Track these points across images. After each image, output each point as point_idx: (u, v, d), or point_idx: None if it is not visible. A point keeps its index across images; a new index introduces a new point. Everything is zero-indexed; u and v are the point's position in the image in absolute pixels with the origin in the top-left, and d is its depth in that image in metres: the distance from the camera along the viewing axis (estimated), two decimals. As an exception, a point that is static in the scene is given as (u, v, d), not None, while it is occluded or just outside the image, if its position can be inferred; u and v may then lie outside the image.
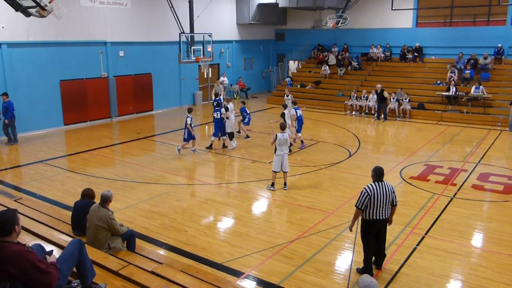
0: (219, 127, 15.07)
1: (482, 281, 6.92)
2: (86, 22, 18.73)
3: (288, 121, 14.50)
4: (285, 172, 11.13)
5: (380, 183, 6.83)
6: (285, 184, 11.23)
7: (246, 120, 16.54)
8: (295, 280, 6.96)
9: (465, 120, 19.90)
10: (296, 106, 15.60)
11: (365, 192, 6.75)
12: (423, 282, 6.88)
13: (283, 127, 11.12)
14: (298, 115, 15.10)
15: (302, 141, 15.32)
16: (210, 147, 15.10)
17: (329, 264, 7.50)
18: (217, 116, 14.98)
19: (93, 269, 5.03)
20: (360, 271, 7.05)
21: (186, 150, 14.66)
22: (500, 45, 22.44)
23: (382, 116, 20.55)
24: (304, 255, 7.76)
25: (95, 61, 19.42)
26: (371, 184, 6.83)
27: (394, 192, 6.95)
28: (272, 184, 11.14)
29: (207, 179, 12.23)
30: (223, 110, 15.06)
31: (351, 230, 7.10)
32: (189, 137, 14.24)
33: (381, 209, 6.82)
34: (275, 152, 10.90)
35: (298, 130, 15.23)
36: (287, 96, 17.96)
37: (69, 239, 6.15)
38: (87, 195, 7.06)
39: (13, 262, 3.94)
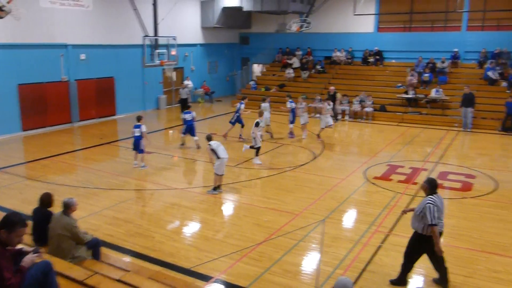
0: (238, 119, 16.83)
1: (444, 277, 7.16)
2: (46, 24, 18.18)
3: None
4: (222, 175, 11.16)
5: (436, 195, 6.50)
6: (219, 186, 11.22)
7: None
8: (264, 282, 6.99)
9: (425, 122, 20.57)
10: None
11: (433, 206, 6.31)
12: (388, 279, 7.05)
13: (209, 138, 11.17)
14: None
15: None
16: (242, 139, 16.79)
17: (297, 265, 7.57)
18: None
19: None
20: (396, 283, 6.93)
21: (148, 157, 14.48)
22: (456, 49, 23.41)
23: (339, 117, 21.46)
24: (272, 257, 7.80)
25: (55, 64, 18.87)
26: (432, 197, 6.43)
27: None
28: (218, 187, 11.11)
29: (172, 183, 12.10)
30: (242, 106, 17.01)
31: (440, 252, 6.54)
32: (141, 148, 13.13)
33: (441, 222, 6.53)
34: (218, 157, 10.86)
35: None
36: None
37: (30, 249, 5.91)
38: (45, 201, 6.76)
39: None
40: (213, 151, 10.86)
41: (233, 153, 14.39)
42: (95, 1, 20.03)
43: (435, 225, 6.30)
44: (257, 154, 13.74)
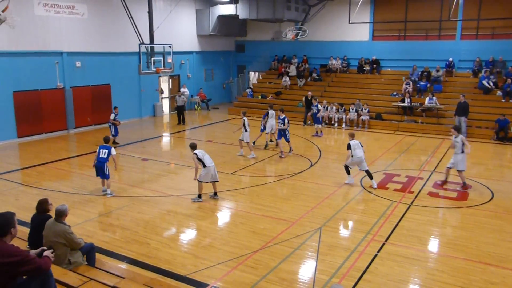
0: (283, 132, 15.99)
1: (439, 285, 7.15)
2: (41, 32, 18.20)
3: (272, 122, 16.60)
4: (216, 182, 11.17)
5: None
6: (215, 193, 11.23)
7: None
8: (260, 290, 6.96)
9: (420, 130, 20.65)
10: (284, 115, 16.00)
11: None
12: (384, 288, 7.05)
13: (194, 146, 11.16)
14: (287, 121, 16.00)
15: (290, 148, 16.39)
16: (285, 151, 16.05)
17: (293, 273, 7.55)
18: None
19: None
20: None
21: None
22: (451, 58, 23.56)
23: (309, 122, 22.01)
24: (268, 265, 7.77)
25: (51, 72, 18.87)
26: None
27: None
28: (200, 196, 11.11)
29: (168, 190, 12.06)
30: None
31: None
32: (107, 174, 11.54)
33: None
34: (204, 166, 10.88)
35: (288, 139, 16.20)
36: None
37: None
38: (42, 208, 6.77)
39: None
40: (199, 159, 10.88)
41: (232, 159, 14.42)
42: (90, 9, 20.08)
43: None
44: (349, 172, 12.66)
